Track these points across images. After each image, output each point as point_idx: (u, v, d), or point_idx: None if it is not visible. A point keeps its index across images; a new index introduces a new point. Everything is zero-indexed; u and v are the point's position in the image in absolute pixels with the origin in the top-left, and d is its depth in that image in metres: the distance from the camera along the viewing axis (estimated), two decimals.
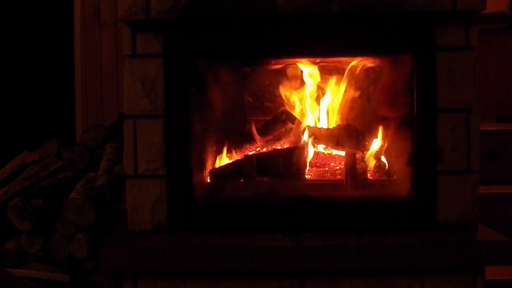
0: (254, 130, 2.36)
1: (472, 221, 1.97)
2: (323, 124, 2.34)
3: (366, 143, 2.24)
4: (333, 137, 2.25)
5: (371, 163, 2.22)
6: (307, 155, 2.24)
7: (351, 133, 2.23)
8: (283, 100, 2.39)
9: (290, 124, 2.32)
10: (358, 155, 2.19)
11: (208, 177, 2.19)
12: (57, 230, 2.27)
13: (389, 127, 2.15)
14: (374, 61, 2.24)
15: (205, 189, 2.13)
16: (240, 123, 2.43)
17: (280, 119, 2.33)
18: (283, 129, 2.34)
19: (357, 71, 2.28)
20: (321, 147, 2.30)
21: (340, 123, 2.32)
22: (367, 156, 2.22)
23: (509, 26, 3.53)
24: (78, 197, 2.25)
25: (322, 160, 2.31)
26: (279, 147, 2.32)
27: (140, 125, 2.02)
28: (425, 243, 1.84)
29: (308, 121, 2.35)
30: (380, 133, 2.21)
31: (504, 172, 2.93)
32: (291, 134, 2.33)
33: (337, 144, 2.25)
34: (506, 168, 2.94)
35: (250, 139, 2.35)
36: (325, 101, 2.35)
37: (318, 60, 2.25)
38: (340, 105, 2.33)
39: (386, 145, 2.20)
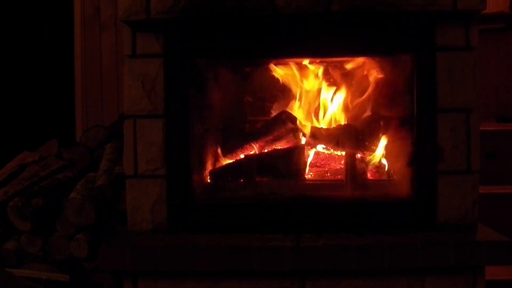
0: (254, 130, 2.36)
1: (472, 221, 1.96)
2: (323, 124, 2.34)
3: (366, 143, 2.24)
4: (333, 137, 2.25)
5: (371, 163, 2.22)
6: (307, 155, 2.24)
7: (351, 133, 2.23)
8: (282, 100, 2.39)
9: (290, 124, 2.32)
10: (358, 155, 2.19)
11: (208, 177, 2.19)
12: (57, 230, 2.27)
13: (389, 127, 2.15)
14: (374, 61, 2.24)
15: (205, 189, 2.13)
16: (240, 123, 2.43)
17: (280, 119, 2.33)
18: (283, 129, 2.34)
19: (357, 71, 2.28)
20: (321, 147, 2.30)
21: (340, 123, 2.32)
22: (367, 156, 2.22)
23: (509, 26, 3.53)
24: (78, 197, 2.25)
25: (322, 160, 2.31)
26: (279, 147, 2.32)
27: (140, 125, 2.02)
28: (425, 243, 1.84)
29: (308, 121, 2.35)
30: (380, 133, 2.21)
31: (504, 172, 2.93)
32: (291, 134, 2.33)
33: (337, 144, 2.25)
34: (506, 168, 2.94)
35: (250, 139, 2.34)
36: (325, 101, 2.35)
37: (318, 60, 2.25)
38: (340, 105, 2.33)
39: (386, 145, 2.20)
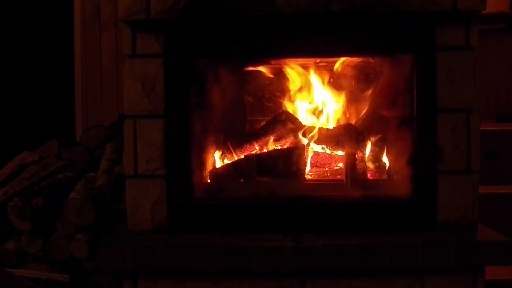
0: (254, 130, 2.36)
1: (472, 221, 1.97)
2: (323, 124, 2.34)
3: (366, 143, 2.24)
4: (333, 137, 2.25)
5: (371, 163, 2.22)
6: (307, 155, 2.24)
7: (351, 133, 2.23)
8: (283, 100, 2.39)
9: (290, 124, 2.32)
10: (358, 155, 2.19)
11: (208, 177, 2.19)
12: (57, 230, 2.27)
13: (389, 127, 2.15)
14: (374, 61, 2.24)
15: (205, 189, 2.13)
16: (240, 123, 2.43)
17: (280, 119, 2.33)
18: (283, 129, 2.34)
19: (357, 71, 2.28)
20: (321, 147, 2.30)
21: (340, 123, 2.32)
22: (367, 156, 2.22)
23: (509, 26, 3.53)
24: (78, 197, 2.25)
25: (322, 160, 2.31)
26: (279, 147, 2.32)
27: (140, 125, 2.02)
28: (425, 243, 1.84)
29: (308, 121, 2.35)
30: (380, 133, 2.21)
31: (504, 172, 2.93)
32: (291, 134, 2.33)
33: (337, 144, 2.25)
34: (506, 168, 2.94)
35: (250, 139, 2.34)
36: (325, 101, 2.35)
37: (318, 60, 2.25)
38: (340, 105, 2.33)
39: (386, 145, 2.20)
